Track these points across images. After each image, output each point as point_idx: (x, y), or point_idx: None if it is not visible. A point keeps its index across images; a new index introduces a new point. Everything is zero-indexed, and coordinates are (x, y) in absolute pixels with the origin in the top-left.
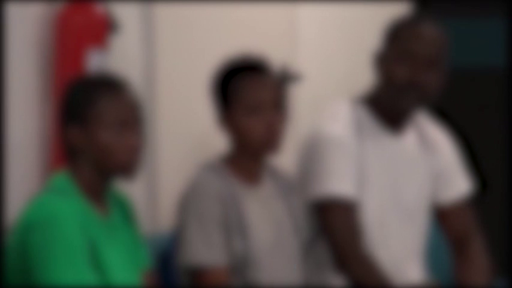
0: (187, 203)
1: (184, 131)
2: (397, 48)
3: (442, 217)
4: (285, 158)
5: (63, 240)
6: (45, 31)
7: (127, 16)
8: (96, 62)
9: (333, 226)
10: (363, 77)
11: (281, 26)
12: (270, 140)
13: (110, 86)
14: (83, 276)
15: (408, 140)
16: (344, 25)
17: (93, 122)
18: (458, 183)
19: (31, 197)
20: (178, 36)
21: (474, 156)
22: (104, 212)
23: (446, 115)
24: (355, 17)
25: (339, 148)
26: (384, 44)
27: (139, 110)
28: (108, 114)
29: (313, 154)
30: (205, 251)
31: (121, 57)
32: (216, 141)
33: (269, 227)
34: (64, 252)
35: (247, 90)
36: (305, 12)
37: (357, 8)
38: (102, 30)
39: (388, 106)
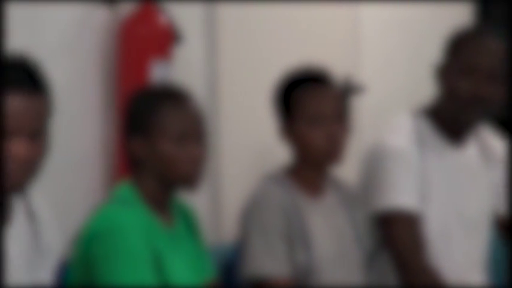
0: (251, 214)
1: (247, 142)
2: (459, 61)
3: (503, 227)
4: (348, 170)
5: (127, 251)
6: (109, 42)
7: (190, 27)
8: (159, 72)
9: (397, 238)
10: (426, 88)
11: (344, 33)
12: (332, 151)
13: (172, 97)
14: (146, 286)
15: (470, 152)
16: (407, 34)
17: (155, 133)
18: None
19: (95, 208)
20: (240, 46)
21: None
22: (168, 223)
23: (507, 125)
24: (417, 24)
25: (401, 160)
26: (446, 56)
27: (202, 121)
28: (171, 125)
29: (375, 166)
30: (268, 262)
31: (184, 68)
32: (278, 152)
33: (332, 238)
34: (128, 263)
35: (309, 101)
36: (368, 20)
37: (419, 12)
38: (166, 41)
39: (450, 118)
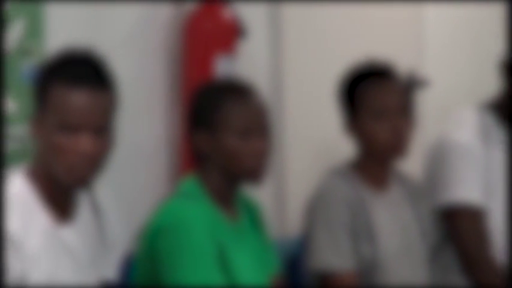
0: (316, 208)
1: (311, 136)
2: None
3: None
4: (412, 164)
5: (192, 245)
6: (174, 37)
7: (254, 22)
8: (224, 67)
9: (461, 233)
10: (490, 82)
11: (408, 28)
12: (396, 145)
13: (236, 92)
14: (211, 280)
15: None
16: (471, 30)
17: (219, 127)
18: None
19: (160, 202)
20: (305, 41)
21: None
22: (233, 217)
23: None
24: (481, 20)
25: (466, 155)
26: (509, 51)
27: (266, 115)
28: (235, 119)
29: (440, 161)
30: (333, 256)
31: (249, 62)
32: (343, 146)
33: (396, 232)
34: (193, 257)
35: (373, 96)
36: (432, 14)
37: (482, 9)
38: (231, 36)
39: None
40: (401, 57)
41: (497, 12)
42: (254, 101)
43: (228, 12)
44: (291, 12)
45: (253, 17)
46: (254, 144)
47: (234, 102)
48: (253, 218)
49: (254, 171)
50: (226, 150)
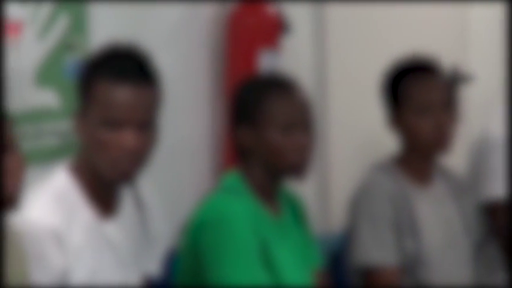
0: (359, 203)
1: (355, 131)
2: None
3: None
4: (456, 159)
5: (235, 240)
6: (218, 32)
7: (298, 17)
8: (267, 62)
9: (505, 228)
10: None
11: (452, 26)
12: (440, 140)
13: (279, 87)
14: (254, 277)
15: None
16: None
17: (262, 122)
18: None
19: (204, 197)
20: (349, 36)
21: None
22: (275, 212)
23: None
24: None
25: (507, 150)
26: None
27: (309, 110)
28: (278, 114)
29: (483, 156)
30: (377, 251)
31: (292, 57)
32: (386, 141)
33: (440, 227)
34: (236, 253)
35: (417, 91)
36: (476, 11)
37: None
38: (274, 31)
39: None
40: (445, 54)
41: None
42: (297, 96)
43: (272, 7)
44: (335, 7)
45: (297, 12)
46: (297, 139)
47: (276, 97)
48: (296, 213)
49: (297, 166)
50: (269, 145)
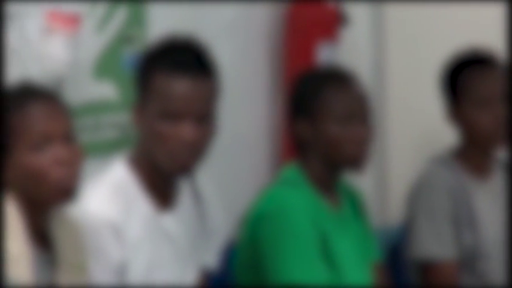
0: (417, 196)
1: (413, 124)
2: None
3: None
4: None
5: (293, 233)
6: (277, 24)
7: (357, 10)
8: (326, 55)
9: None
10: None
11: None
12: (499, 133)
13: (337, 79)
14: (313, 270)
15: None
16: None
17: (320, 115)
18: None
19: (262, 189)
20: (407, 29)
21: None
22: (334, 204)
23: None
24: None
25: None
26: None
27: (367, 102)
28: (336, 107)
29: None
30: (435, 244)
31: (351, 50)
32: (445, 134)
33: (498, 220)
34: (294, 245)
35: (476, 84)
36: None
37: None
38: (333, 24)
39: None
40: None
41: None
42: (355, 88)
43: (330, 2)
44: (393, 1)
45: (355, 6)
46: (355, 132)
47: (334, 89)
48: (355, 206)
49: (355, 159)
50: (327, 138)
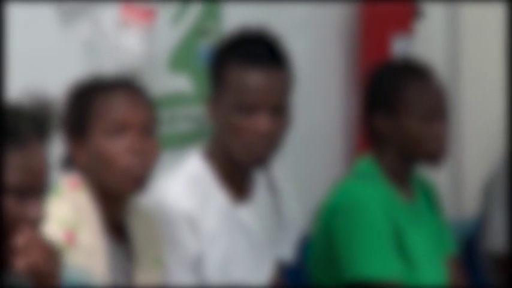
0: (493, 188)
1: (488, 117)
2: None
3: None
4: None
5: (367, 226)
6: (351, 17)
7: (431, 3)
8: (401, 48)
9: None
10: None
11: None
12: None
13: (418, 75)
14: (387, 264)
15: None
16: None
17: (401, 110)
18: None
19: (336, 182)
20: (482, 23)
21: None
22: (408, 197)
23: None
24: None
25: None
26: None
27: (446, 98)
28: (418, 103)
29: None
30: (509, 238)
31: (425, 43)
32: None
33: None
34: (369, 238)
35: None
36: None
37: None
38: (408, 17)
39: None
40: None
41: None
42: (435, 84)
43: None
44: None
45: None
46: (436, 128)
47: (417, 85)
48: (429, 198)
49: (435, 155)
50: (407, 134)
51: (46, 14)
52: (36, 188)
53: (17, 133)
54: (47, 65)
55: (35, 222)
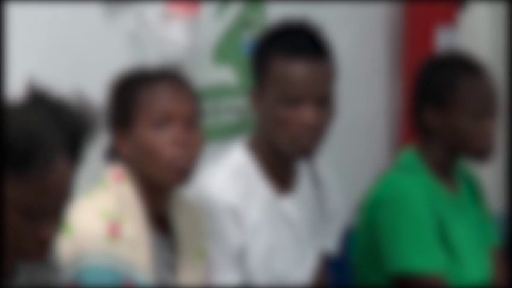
0: None
1: None
2: None
3: None
4: None
5: (411, 219)
6: (395, 8)
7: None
8: (445, 39)
9: None
10: None
11: None
12: None
13: (471, 71)
14: (430, 257)
15: None
16: None
17: (453, 106)
18: None
19: (380, 174)
20: None
21: None
22: (451, 190)
23: None
24: None
25: None
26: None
27: (497, 95)
28: (470, 101)
29: None
30: None
31: (470, 35)
32: None
33: None
34: (412, 231)
35: None
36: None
37: None
38: (452, 8)
39: None
40: None
41: None
42: (489, 82)
43: None
44: None
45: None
46: (486, 125)
47: (470, 82)
48: (472, 191)
49: (484, 152)
50: (457, 130)
51: (92, 6)
52: (48, 210)
53: (38, 150)
54: (92, 57)
55: (44, 244)
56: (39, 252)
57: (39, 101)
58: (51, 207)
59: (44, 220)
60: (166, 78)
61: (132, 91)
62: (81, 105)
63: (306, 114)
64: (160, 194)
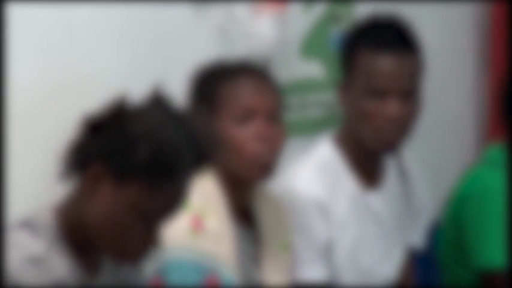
0: None
1: None
2: None
3: None
4: None
5: (496, 215)
6: (485, 9)
7: None
8: None
9: None
10: None
11: None
12: None
13: None
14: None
15: None
16: None
17: None
18: None
19: (467, 169)
20: None
21: None
22: None
23: None
24: None
25: None
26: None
27: None
28: None
29: None
30: None
31: None
32: None
33: None
34: (497, 227)
35: None
36: None
37: None
38: None
39: None
40: None
41: None
42: None
43: None
44: None
45: None
46: None
47: None
48: None
49: None
50: None
51: (181, 6)
52: (164, 218)
53: (179, 165)
54: (180, 51)
55: (148, 248)
56: (139, 255)
57: (176, 116)
58: (167, 216)
59: (156, 226)
60: (248, 72)
61: (214, 85)
62: (204, 124)
63: (391, 107)
64: (243, 188)
